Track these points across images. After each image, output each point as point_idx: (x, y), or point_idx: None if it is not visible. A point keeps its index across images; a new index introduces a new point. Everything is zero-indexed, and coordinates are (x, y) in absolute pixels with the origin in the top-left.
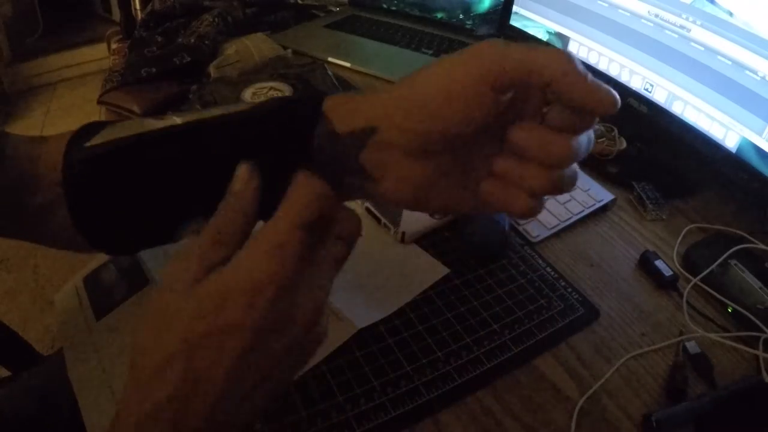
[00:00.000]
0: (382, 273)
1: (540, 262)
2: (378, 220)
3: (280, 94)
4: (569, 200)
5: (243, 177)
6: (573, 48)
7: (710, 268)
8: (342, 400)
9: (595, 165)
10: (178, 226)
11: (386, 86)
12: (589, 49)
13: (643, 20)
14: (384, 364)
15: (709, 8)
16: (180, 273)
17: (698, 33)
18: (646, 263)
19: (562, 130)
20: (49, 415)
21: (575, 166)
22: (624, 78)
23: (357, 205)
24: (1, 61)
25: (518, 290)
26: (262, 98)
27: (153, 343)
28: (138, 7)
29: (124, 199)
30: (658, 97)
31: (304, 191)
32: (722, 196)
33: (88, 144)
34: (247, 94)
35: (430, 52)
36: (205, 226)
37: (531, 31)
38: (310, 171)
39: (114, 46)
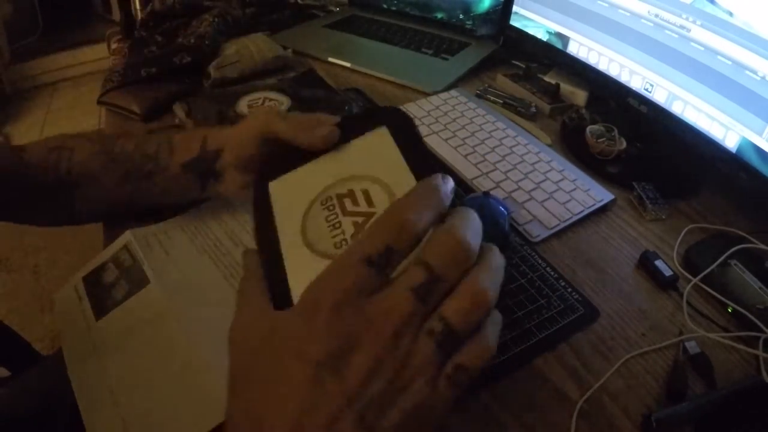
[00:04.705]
0: None
1: (540, 262)
2: None
3: (276, 104)
4: (569, 200)
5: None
6: (573, 48)
7: (710, 268)
8: None
9: (595, 165)
10: None
11: (223, 126)
12: (589, 49)
13: (643, 20)
14: None
15: (709, 8)
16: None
17: (698, 33)
18: (646, 263)
19: None
20: (49, 415)
21: None
22: (624, 78)
23: None
24: (1, 61)
25: (518, 290)
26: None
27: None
28: (138, 7)
29: None
30: (658, 97)
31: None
32: (722, 196)
33: None
34: (243, 105)
35: (430, 52)
36: None
37: (531, 31)
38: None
39: (114, 46)
